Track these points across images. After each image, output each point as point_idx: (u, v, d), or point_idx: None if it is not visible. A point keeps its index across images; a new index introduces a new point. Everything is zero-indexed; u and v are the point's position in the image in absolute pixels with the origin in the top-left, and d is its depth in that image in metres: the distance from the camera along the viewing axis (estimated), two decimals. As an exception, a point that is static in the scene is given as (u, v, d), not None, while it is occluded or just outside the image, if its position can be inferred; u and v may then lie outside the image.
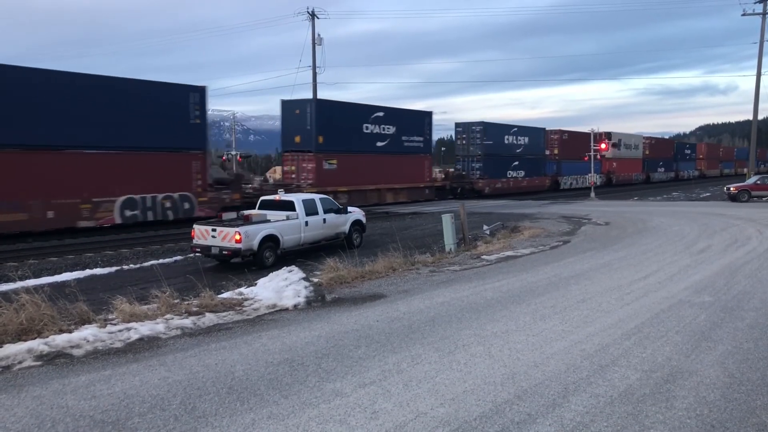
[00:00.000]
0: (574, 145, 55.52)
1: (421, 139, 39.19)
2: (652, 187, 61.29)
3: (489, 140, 45.85)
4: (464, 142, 46.61)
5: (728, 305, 9.36)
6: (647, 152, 71.87)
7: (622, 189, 58.74)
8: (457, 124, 48.08)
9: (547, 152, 54.00)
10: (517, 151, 49.34)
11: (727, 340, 7.51)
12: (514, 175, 49.00)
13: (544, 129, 54.14)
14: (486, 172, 45.47)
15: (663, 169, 75.72)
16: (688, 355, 6.93)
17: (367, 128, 35.12)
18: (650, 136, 73.31)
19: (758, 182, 35.56)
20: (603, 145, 60.05)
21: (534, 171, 51.74)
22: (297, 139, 32.89)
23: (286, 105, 33.84)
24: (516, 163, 49.06)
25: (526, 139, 50.49)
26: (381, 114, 36.19)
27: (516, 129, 49.77)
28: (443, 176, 45.83)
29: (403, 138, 37.68)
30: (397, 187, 36.67)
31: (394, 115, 37.34)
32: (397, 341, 7.62)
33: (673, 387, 5.96)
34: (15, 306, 8.07)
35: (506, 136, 48.20)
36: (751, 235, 18.13)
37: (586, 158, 50.09)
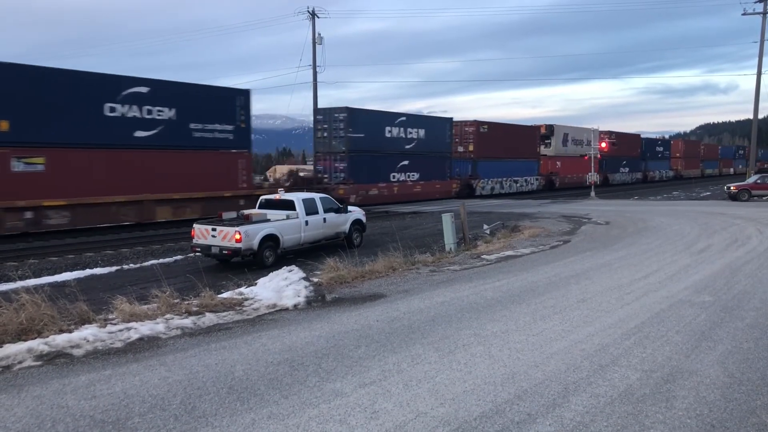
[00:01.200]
0: (500, 140, 44.99)
1: (230, 127, 26.17)
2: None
3: (358, 132, 33.00)
4: (325, 134, 33.40)
5: (728, 305, 9.36)
6: (605, 150, 60.93)
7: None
8: (317, 111, 35.59)
9: (461, 149, 42.63)
10: (407, 147, 36.65)
11: (727, 340, 7.51)
12: (402, 178, 36.18)
13: (450, 119, 41.39)
14: (353, 174, 32.75)
15: (627, 169, 66.51)
16: (688, 355, 6.94)
17: (114, 110, 21.90)
18: (611, 131, 62.50)
19: (758, 181, 35.55)
20: (603, 144, 57.70)
21: (434, 173, 38.61)
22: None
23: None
24: (405, 162, 36.27)
25: (422, 132, 37.68)
26: (143, 90, 22.93)
27: (404, 119, 36.89)
28: (289, 181, 33.83)
29: (193, 126, 24.64)
30: (179, 197, 23.80)
31: (167, 90, 23.92)
32: (397, 341, 7.62)
33: (673, 387, 5.96)
34: (15, 306, 8.08)
35: (388, 128, 35.29)
36: (751, 234, 18.12)
37: (586, 157, 49.35)
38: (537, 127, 51.83)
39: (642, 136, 72.44)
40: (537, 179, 50.52)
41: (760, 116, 56.27)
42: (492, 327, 8.22)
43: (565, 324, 8.33)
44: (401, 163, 36.33)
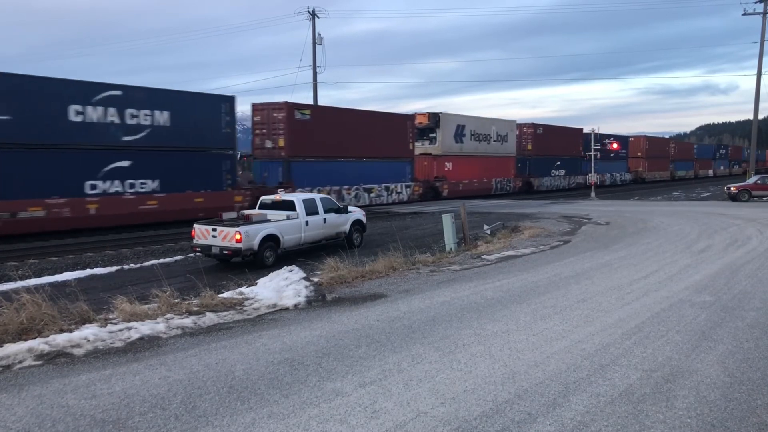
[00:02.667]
0: (338, 132, 30.45)
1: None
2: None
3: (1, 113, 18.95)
4: None
5: (729, 305, 9.36)
6: (528, 147, 48.31)
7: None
8: None
9: (269, 144, 28.99)
10: (128, 138, 22.06)
11: (727, 340, 7.51)
12: (114, 188, 21.73)
13: (230, 98, 25.99)
14: None
15: (562, 172, 52.75)
16: (689, 355, 6.94)
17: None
18: (538, 123, 49.71)
19: (758, 182, 35.55)
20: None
21: (192, 179, 24.08)
22: None
23: None
24: (123, 163, 22.05)
25: (163, 116, 22.99)
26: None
27: (118, 93, 21.79)
28: None
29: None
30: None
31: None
32: (398, 341, 7.62)
33: (674, 386, 5.96)
34: (16, 305, 8.09)
35: (77, 108, 20.64)
36: (751, 234, 18.13)
37: (586, 156, 48.92)
38: (409, 117, 36.89)
39: (586, 131, 53.78)
40: (408, 187, 35.67)
41: (760, 117, 56.30)
42: (492, 327, 8.22)
43: (565, 324, 8.33)
44: (113, 165, 21.77)
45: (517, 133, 48.06)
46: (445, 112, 40.12)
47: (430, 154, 39.33)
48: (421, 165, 38.45)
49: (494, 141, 44.71)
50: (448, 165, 40.39)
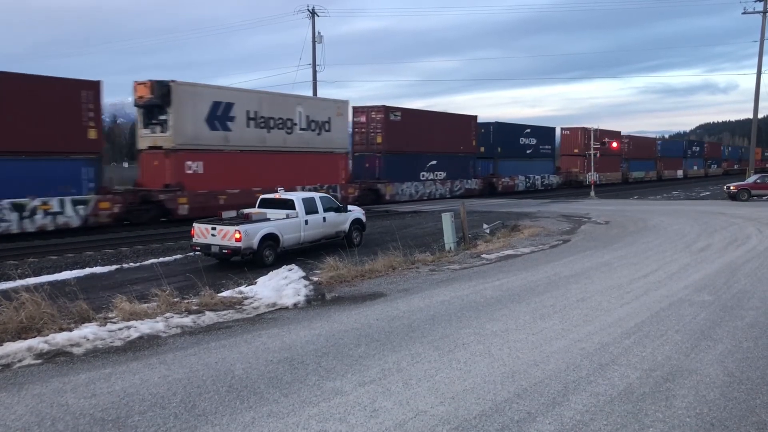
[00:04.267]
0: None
1: None
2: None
3: None
4: None
5: (728, 304, 9.36)
6: (378, 140, 34.11)
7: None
8: None
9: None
10: None
11: (726, 339, 7.51)
12: None
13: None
14: None
15: (440, 174, 38.53)
16: (688, 354, 6.94)
17: None
18: (389, 105, 34.91)
19: (758, 181, 35.56)
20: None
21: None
22: None
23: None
24: None
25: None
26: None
27: None
28: None
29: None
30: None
31: None
32: (397, 340, 7.62)
33: (673, 386, 5.96)
34: (15, 304, 8.08)
35: None
36: (750, 233, 18.14)
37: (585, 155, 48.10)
38: (84, 83, 21.50)
39: (488, 120, 44.64)
40: (80, 207, 21.15)
41: (760, 116, 56.26)
42: (492, 326, 8.23)
43: (564, 323, 8.34)
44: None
45: (363, 119, 34.19)
46: (185, 81, 24.93)
47: (160, 147, 24.64)
48: (149, 165, 25.13)
49: (302, 129, 29.01)
50: (194, 165, 24.95)
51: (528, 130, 49.19)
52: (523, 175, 48.08)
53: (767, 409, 5.43)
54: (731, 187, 35.17)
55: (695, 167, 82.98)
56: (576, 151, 55.74)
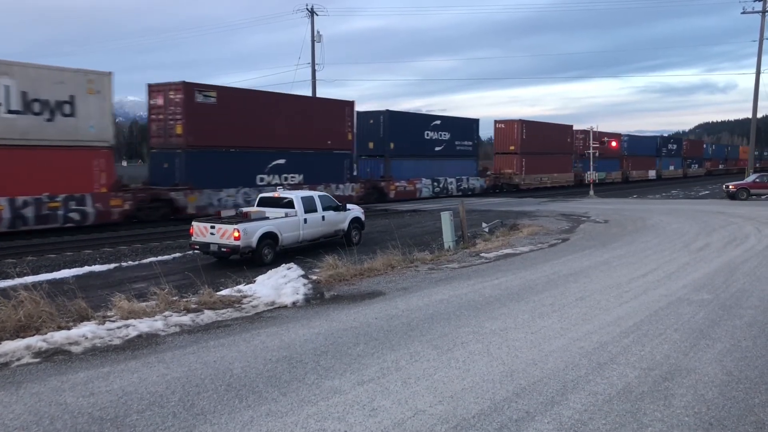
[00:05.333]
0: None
1: None
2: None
3: None
4: None
5: (727, 303, 9.37)
6: (177, 131, 24.60)
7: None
8: None
9: None
10: None
11: (725, 338, 7.52)
12: None
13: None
14: None
15: (295, 177, 29.07)
16: (687, 353, 6.94)
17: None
18: (205, 84, 25.62)
19: (757, 180, 35.59)
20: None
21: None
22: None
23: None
24: None
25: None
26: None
27: None
28: None
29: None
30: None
31: None
32: (396, 339, 7.62)
33: (672, 385, 5.97)
34: (13, 303, 8.07)
35: None
36: (749, 233, 18.15)
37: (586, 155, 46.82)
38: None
39: (390, 109, 36.13)
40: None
41: (759, 115, 56.28)
42: (491, 325, 8.23)
43: (563, 322, 8.34)
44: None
45: (159, 101, 25.04)
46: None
47: None
48: None
49: (13, 112, 19.27)
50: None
51: (437, 122, 39.29)
52: (428, 178, 38.10)
53: (766, 408, 5.43)
54: (730, 187, 35.20)
55: (671, 167, 74.14)
56: (512, 148, 46.22)
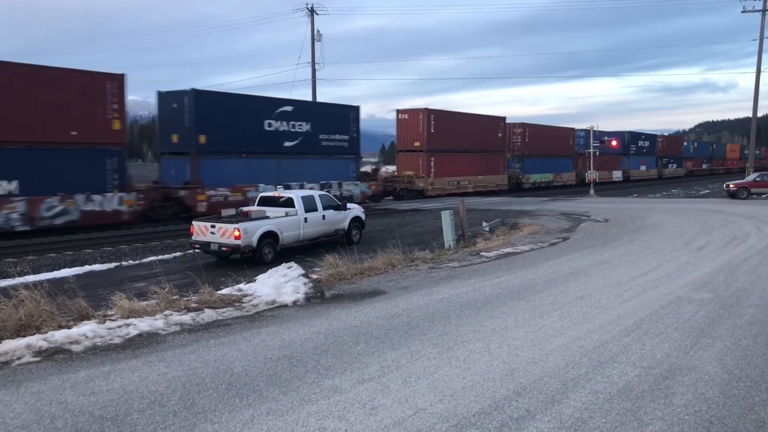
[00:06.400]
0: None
1: None
2: None
3: None
4: None
5: (727, 302, 9.37)
6: None
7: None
8: None
9: None
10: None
11: (725, 337, 7.51)
12: None
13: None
14: None
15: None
16: (687, 352, 6.94)
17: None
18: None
19: (758, 179, 35.57)
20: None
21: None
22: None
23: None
24: None
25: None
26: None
27: None
28: None
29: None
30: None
31: None
32: (396, 338, 7.62)
33: (672, 383, 5.96)
34: (14, 302, 8.07)
35: None
36: (750, 232, 18.14)
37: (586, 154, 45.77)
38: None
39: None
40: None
41: (760, 114, 56.24)
42: (491, 324, 8.23)
43: (564, 321, 8.34)
44: None
45: None
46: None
47: None
48: None
49: None
50: None
51: (286, 109, 27.61)
52: (273, 184, 26.37)
53: (766, 406, 5.43)
54: (731, 185, 35.20)
55: (642, 167, 65.46)
56: (417, 144, 36.68)
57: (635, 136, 66.62)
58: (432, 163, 38.15)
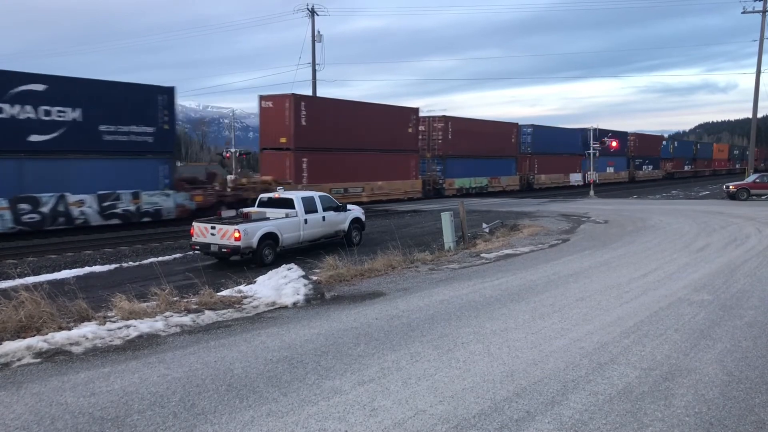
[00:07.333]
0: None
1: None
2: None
3: None
4: None
5: (727, 303, 9.37)
6: None
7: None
8: None
9: None
10: None
11: (725, 339, 7.52)
12: None
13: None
14: None
15: None
16: (687, 353, 6.94)
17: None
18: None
19: (757, 180, 35.59)
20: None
21: None
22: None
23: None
24: None
25: None
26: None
27: None
28: None
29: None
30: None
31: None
32: (396, 339, 7.62)
33: (672, 385, 5.97)
34: (14, 303, 8.08)
35: None
36: (750, 233, 18.14)
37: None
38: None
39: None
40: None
41: (760, 115, 56.24)
42: (491, 325, 8.23)
43: (564, 322, 8.34)
44: None
45: None
46: None
47: None
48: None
49: None
50: None
51: (37, 87, 19.77)
52: (2, 196, 18.70)
53: (766, 408, 5.43)
54: (730, 187, 35.23)
55: (610, 169, 57.91)
56: (283, 141, 28.16)
57: (600, 134, 54.97)
58: (304, 165, 28.71)
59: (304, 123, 28.55)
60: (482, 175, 43.71)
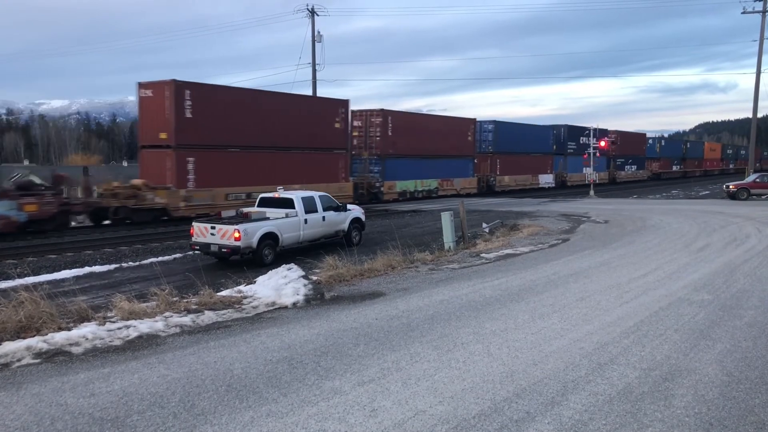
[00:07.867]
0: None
1: None
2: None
3: None
4: None
5: (727, 303, 9.37)
6: None
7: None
8: None
9: None
10: None
11: (725, 339, 7.51)
12: None
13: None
14: None
15: None
16: (687, 354, 6.94)
17: None
18: None
19: (757, 180, 35.58)
20: (602, 143, 44.49)
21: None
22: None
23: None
24: None
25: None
26: None
27: None
28: None
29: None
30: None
31: None
32: (396, 339, 7.62)
33: (672, 385, 5.97)
34: (14, 303, 8.08)
35: None
36: (750, 233, 18.14)
37: (585, 156, 44.96)
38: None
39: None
40: None
41: (760, 115, 56.23)
42: (491, 325, 8.23)
43: (564, 322, 8.34)
44: None
45: None
46: None
47: None
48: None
49: None
50: None
51: None
52: None
53: (766, 408, 5.43)
54: (730, 186, 35.23)
55: (586, 169, 49.59)
56: (163, 137, 23.62)
57: (574, 132, 52.67)
58: (190, 167, 23.90)
59: (189, 115, 23.62)
60: (431, 177, 38.48)
